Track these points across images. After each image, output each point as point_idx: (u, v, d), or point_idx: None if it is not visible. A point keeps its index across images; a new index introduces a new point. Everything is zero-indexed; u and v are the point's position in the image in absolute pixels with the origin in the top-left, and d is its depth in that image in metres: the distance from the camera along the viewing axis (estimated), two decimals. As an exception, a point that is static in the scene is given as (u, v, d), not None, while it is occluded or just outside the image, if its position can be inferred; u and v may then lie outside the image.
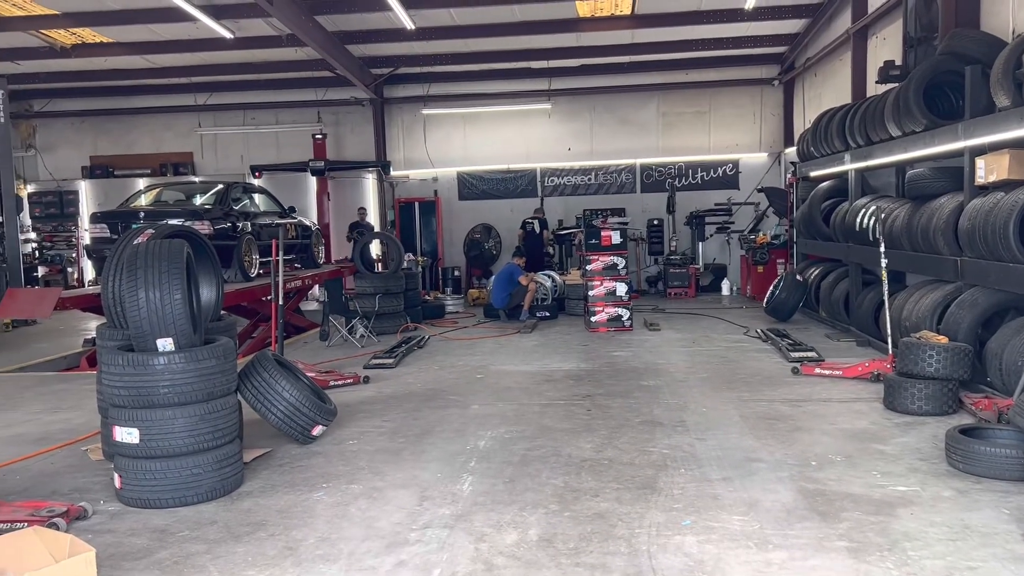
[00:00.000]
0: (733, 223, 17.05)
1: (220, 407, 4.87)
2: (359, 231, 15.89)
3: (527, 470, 5.20)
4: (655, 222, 17.57)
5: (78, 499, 4.74)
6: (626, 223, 14.99)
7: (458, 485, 4.94)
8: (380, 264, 16.00)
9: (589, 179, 18.24)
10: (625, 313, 11.63)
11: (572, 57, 16.54)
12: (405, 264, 13.49)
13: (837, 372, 7.72)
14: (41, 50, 14.87)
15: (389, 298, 11.87)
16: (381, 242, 15.56)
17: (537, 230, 16.68)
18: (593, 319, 11.63)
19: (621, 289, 11.73)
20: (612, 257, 11.82)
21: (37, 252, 18.79)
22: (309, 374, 7.17)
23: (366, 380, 8.23)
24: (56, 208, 19.21)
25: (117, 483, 4.76)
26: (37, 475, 5.41)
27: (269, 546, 4.09)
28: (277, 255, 8.23)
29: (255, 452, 5.62)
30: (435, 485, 4.96)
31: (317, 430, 5.89)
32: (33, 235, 18.80)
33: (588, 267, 11.93)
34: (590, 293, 11.78)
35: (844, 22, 12.86)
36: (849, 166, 10.48)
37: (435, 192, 18.31)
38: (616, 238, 11.91)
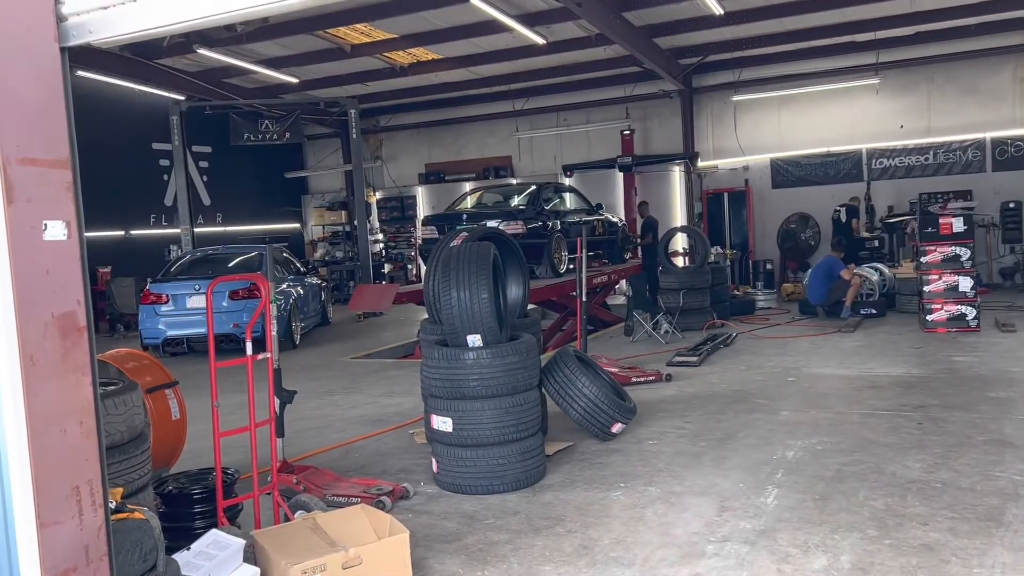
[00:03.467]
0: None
1: (523, 401, 5.07)
2: (648, 228, 15.51)
3: (841, 487, 4.73)
4: (1011, 205, 15.18)
5: (403, 479, 5.22)
6: (972, 207, 13.15)
7: (761, 497, 4.64)
8: (686, 258, 15.72)
9: (925, 159, 16.29)
10: (970, 311, 10.20)
11: (904, 25, 14.81)
12: (712, 258, 13.11)
13: None
14: (384, 71, 16.78)
15: (694, 293, 11.62)
16: (687, 236, 15.27)
17: (843, 219, 15.26)
18: (929, 318, 10.35)
19: (965, 283, 10.29)
20: (953, 247, 10.42)
21: (384, 251, 21.31)
22: (611, 369, 7.24)
23: (668, 378, 8.11)
24: (398, 211, 21.62)
25: (434, 467, 5.17)
26: (372, 454, 6.08)
27: (566, 542, 4.16)
28: (581, 252, 8.42)
29: (557, 445, 5.78)
30: (736, 495, 4.70)
31: (616, 427, 5.90)
32: (380, 236, 21.34)
33: (923, 259, 10.64)
34: (926, 288, 10.50)
35: None
36: None
37: (745, 181, 17.56)
38: (958, 225, 10.49)
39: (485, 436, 4.94)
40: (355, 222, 18.37)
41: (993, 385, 7.15)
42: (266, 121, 15.64)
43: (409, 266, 21.25)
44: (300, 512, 4.18)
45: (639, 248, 15.25)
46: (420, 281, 19.59)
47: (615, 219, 15.05)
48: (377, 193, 21.67)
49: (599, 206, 14.29)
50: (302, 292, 13.21)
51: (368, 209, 19.00)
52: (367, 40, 14.82)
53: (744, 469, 5.18)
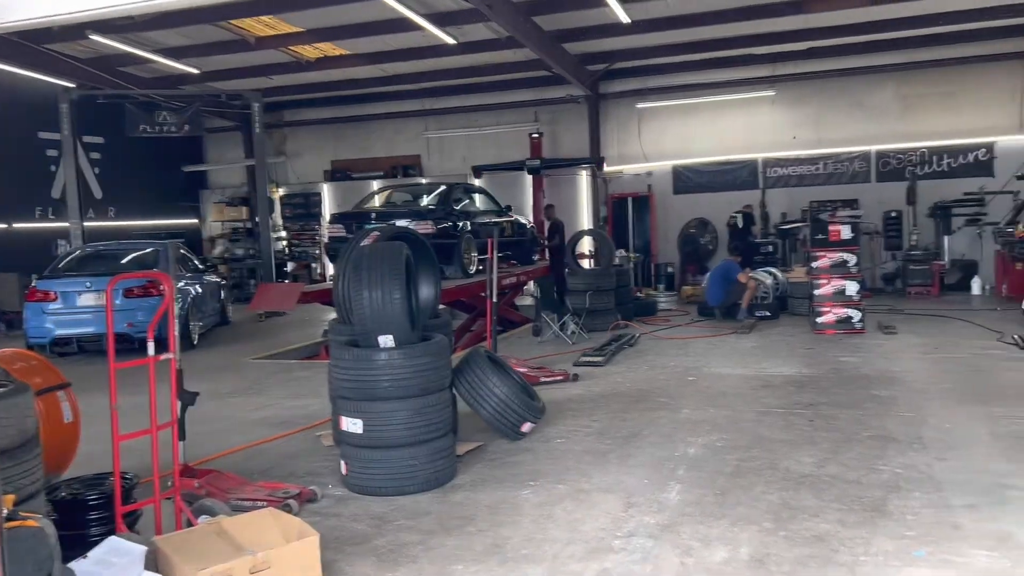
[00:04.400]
0: (986, 214, 15.20)
1: (435, 401, 5.08)
2: (555, 231, 15.64)
3: (739, 482, 4.94)
4: (892, 214, 16.11)
5: (310, 482, 5.14)
6: (858, 216, 13.91)
7: (665, 493, 4.80)
8: (591, 261, 16.02)
9: (816, 168, 17.11)
10: (856, 314, 10.79)
11: (799, 40, 15.53)
12: (616, 261, 13.41)
13: (1117, 389, 6.64)
14: (290, 64, 16.39)
15: (600, 295, 11.88)
16: (593, 239, 15.55)
17: (740, 224, 15.92)
18: (819, 320, 10.90)
19: (851, 288, 10.89)
20: (841, 253, 11.01)
21: (287, 249, 20.84)
22: (520, 370, 7.32)
23: (575, 378, 8.26)
24: (303, 209, 21.15)
25: (343, 469, 5.12)
26: (277, 457, 5.95)
27: (477, 542, 4.20)
28: (492, 253, 8.47)
29: (468, 446, 5.81)
30: (641, 491, 4.85)
31: (526, 427, 5.98)
32: (283, 234, 20.86)
33: (814, 264, 11.19)
34: (816, 292, 11.05)
35: None
36: None
37: (649, 187, 18.05)
38: (846, 232, 11.09)
39: (396, 437, 4.92)
40: (257, 219, 17.94)
41: (877, 384, 7.59)
42: (164, 112, 15.04)
43: (314, 265, 20.85)
44: (204, 517, 4.06)
45: (547, 250, 15.43)
46: (325, 280, 19.32)
47: (524, 221, 15.19)
48: (280, 189, 21.18)
49: (508, 208, 14.39)
50: (200, 290, 12.77)
51: (271, 206, 18.58)
52: (272, 33, 14.46)
53: (648, 466, 5.34)
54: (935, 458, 5.24)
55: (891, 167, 16.51)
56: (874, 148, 16.60)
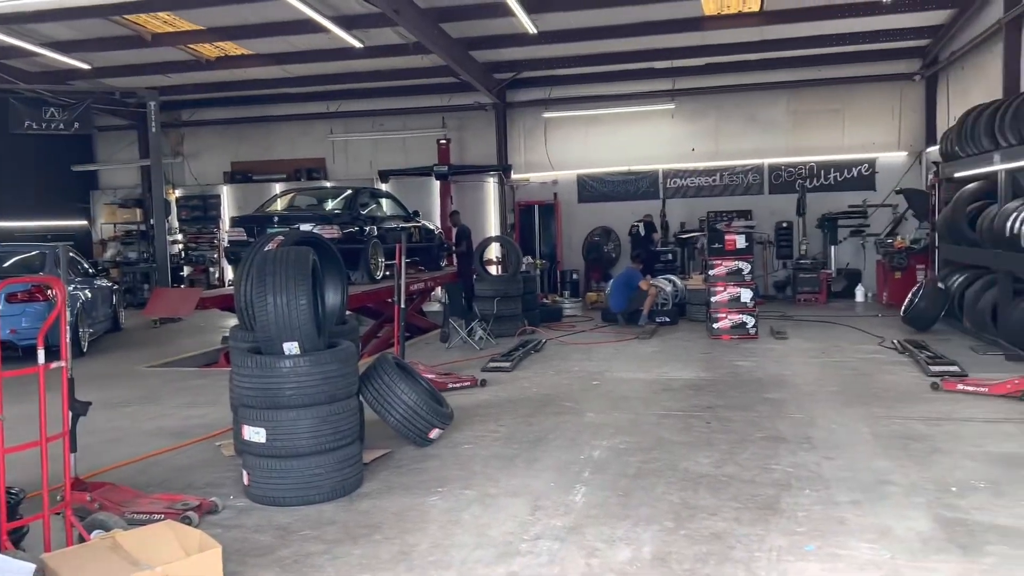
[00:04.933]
0: (869, 226, 16.16)
1: (341, 409, 5.02)
2: (462, 236, 15.61)
3: (642, 483, 5.09)
4: (784, 225, 16.89)
5: (210, 493, 4.99)
6: (752, 226, 14.53)
7: (571, 496, 4.89)
8: (499, 267, 16.14)
9: (714, 180, 17.76)
10: (750, 320, 11.25)
11: (697, 56, 16.13)
12: (523, 267, 13.55)
13: (982, 389, 7.16)
14: (189, 63, 15.88)
15: (507, 301, 11.98)
16: (500, 245, 15.67)
17: (642, 233, 16.41)
18: (715, 326, 11.31)
19: (746, 295, 11.35)
20: (736, 261, 11.46)
21: (183, 253, 20.12)
22: (428, 376, 7.31)
23: (483, 383, 8.31)
24: (200, 211, 20.46)
25: (245, 480, 4.99)
26: (175, 468, 5.75)
27: (384, 550, 4.17)
28: (400, 259, 8.44)
29: (375, 453, 5.77)
30: (547, 494, 4.93)
31: (434, 433, 5.99)
32: (180, 237, 20.13)
33: (711, 272, 11.61)
34: (713, 299, 11.46)
35: (995, 11, 11.92)
36: (999, 166, 9.71)
37: (555, 195, 18.32)
38: (741, 242, 11.54)
39: (301, 446, 4.84)
40: (152, 221, 17.24)
41: (769, 387, 7.94)
42: (52, 109, 14.33)
43: (212, 269, 20.20)
44: (97, 532, 3.90)
45: (454, 256, 15.45)
46: (224, 285, 18.76)
47: (432, 226, 15.18)
48: (177, 191, 20.42)
49: (416, 213, 14.36)
50: (91, 295, 12.21)
51: (167, 208, 17.87)
52: (170, 30, 13.96)
53: (554, 469, 5.43)
54: (823, 457, 5.53)
55: (782, 180, 17.30)
56: (767, 161, 17.37)
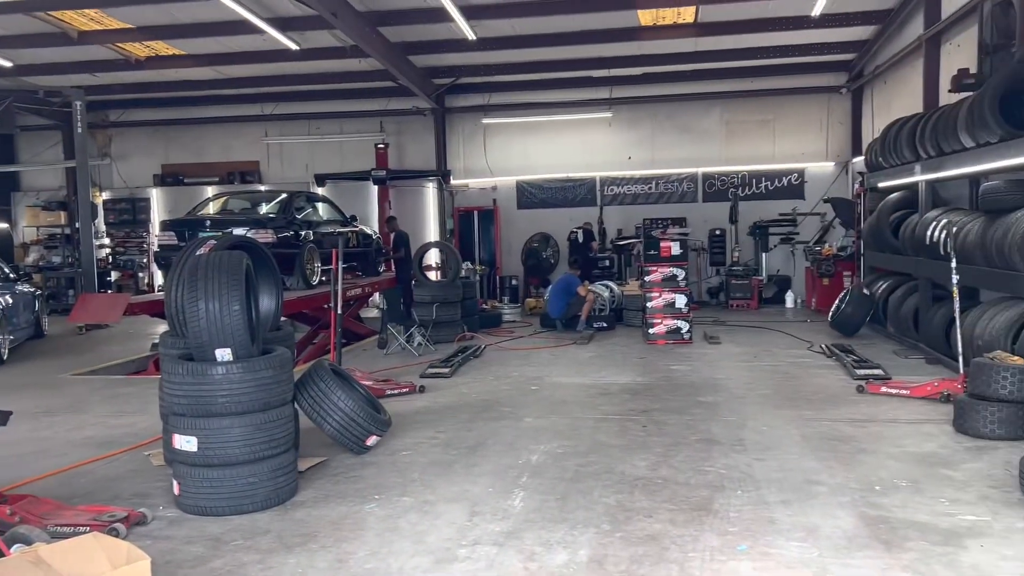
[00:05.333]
0: (798, 234, 16.65)
1: (276, 417, 4.94)
2: (399, 242, 15.49)
3: (579, 487, 5.14)
4: (717, 232, 17.26)
5: (139, 504, 4.85)
6: (687, 233, 14.82)
7: (509, 501, 4.91)
8: (438, 273, 16.09)
9: (649, 188, 18.05)
10: (684, 325, 11.46)
11: (633, 66, 16.39)
12: (463, 273, 13.54)
13: (904, 391, 7.45)
14: (117, 62, 15.42)
15: (446, 307, 11.96)
16: (440, 251, 15.62)
17: (580, 240, 16.62)
18: (651, 331, 11.49)
19: (680, 301, 11.56)
20: (671, 268, 11.66)
21: (111, 258, 19.49)
22: (365, 383, 7.24)
23: (422, 389, 8.27)
24: (129, 215, 19.87)
25: (176, 490, 4.87)
26: (101, 479, 5.57)
27: (320, 558, 4.12)
28: (337, 264, 8.34)
29: (310, 461, 5.68)
30: (486, 500, 4.93)
31: (371, 440, 5.93)
32: (107, 241, 19.50)
33: (647, 278, 11.79)
34: (648, 305, 11.64)
35: (916, 28, 12.44)
36: (919, 177, 10.12)
37: (494, 201, 18.36)
38: (676, 249, 11.76)
39: (234, 455, 4.74)
40: (77, 224, 16.63)
41: (703, 391, 8.11)
42: (-30, 107, 13.71)
43: (141, 274, 19.62)
44: (18, 546, 3.74)
45: (393, 261, 15.33)
46: (154, 290, 18.24)
47: (369, 231, 15.05)
48: (104, 194, 19.79)
49: (353, 218, 14.22)
50: (11, 301, 11.76)
51: (93, 211, 17.24)
52: (98, 27, 13.54)
53: (493, 474, 5.44)
54: (754, 459, 5.67)
55: (716, 188, 17.69)
56: (701, 170, 17.74)
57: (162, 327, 7.02)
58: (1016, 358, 6.24)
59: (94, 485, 5.42)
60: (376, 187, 18.08)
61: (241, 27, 12.92)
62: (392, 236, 15.28)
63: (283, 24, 13.06)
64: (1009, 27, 8.81)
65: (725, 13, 13.39)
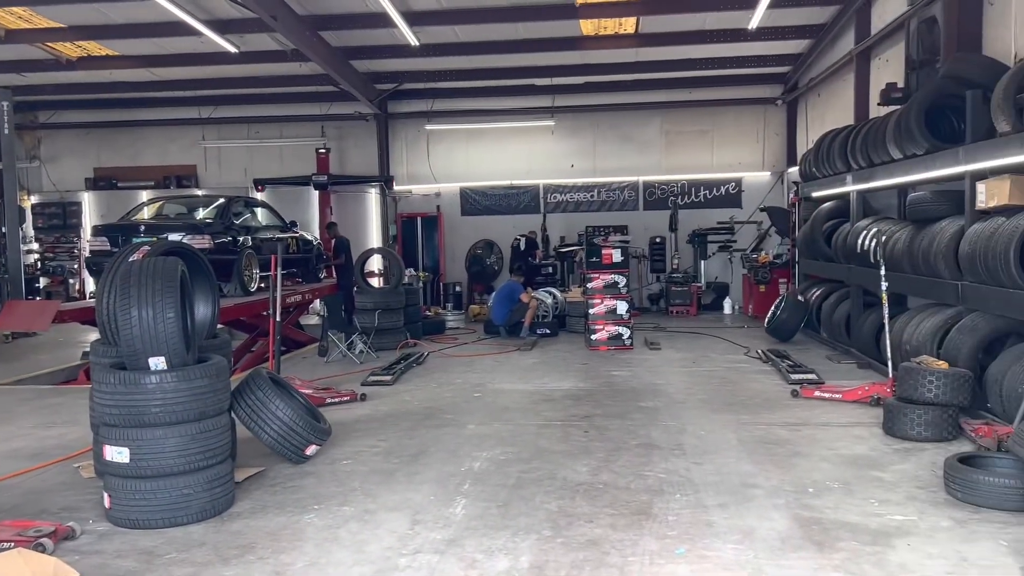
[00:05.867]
0: (735, 242, 17.01)
1: (212, 426, 4.84)
2: (340, 248, 15.30)
3: (521, 493, 5.15)
4: (657, 240, 17.53)
5: (67, 518, 4.69)
6: (627, 241, 15.00)
7: (451, 508, 4.89)
8: (381, 279, 15.98)
9: (592, 196, 18.24)
10: (626, 332, 11.59)
11: (576, 75, 16.57)
12: (406, 279, 13.46)
13: (837, 395, 7.66)
14: (47, 62, 14.93)
15: (389, 314, 11.86)
16: (382, 257, 15.52)
17: (524, 247, 16.72)
18: (593, 337, 11.59)
19: (622, 307, 11.69)
20: (613, 275, 11.80)
21: (39, 263, 18.82)
22: (305, 391, 7.14)
23: (363, 398, 8.19)
24: (59, 219, 19.24)
25: (106, 503, 4.72)
26: (27, 492, 5.37)
27: (257, 570, 4.04)
28: (276, 270, 8.22)
29: (247, 471, 5.58)
30: (428, 508, 4.91)
31: (311, 450, 5.85)
32: (35, 246, 18.83)
33: (589, 285, 11.90)
34: (591, 311, 11.74)
35: (847, 43, 12.87)
36: (851, 187, 10.45)
37: (438, 207, 18.32)
38: (617, 256, 11.90)
39: (168, 466, 4.63)
40: (3, 229, 16.03)
41: (644, 396, 8.21)
42: None
43: (71, 280, 18.99)
44: (-64, 565, 3.58)
45: (334, 268, 15.17)
46: (85, 297, 17.68)
47: (310, 237, 14.86)
48: (33, 197, 19.12)
49: (293, 223, 14.04)
50: (-68, 309, 11.23)
51: (21, 215, 16.67)
52: (27, 26, 13.10)
53: (435, 482, 5.42)
54: (692, 463, 5.77)
55: (656, 197, 17.97)
56: (642, 179, 18.01)
57: (93, 335, 6.83)
58: (941, 362, 6.48)
59: (21, 499, 5.22)
60: (317, 192, 17.88)
61: (178, 28, 12.65)
62: (333, 242, 15.12)
63: (222, 26, 12.84)
64: (934, 43, 9.19)
65: (665, 24, 13.63)
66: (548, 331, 13.03)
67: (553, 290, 14.33)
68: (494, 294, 14.04)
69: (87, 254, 12.80)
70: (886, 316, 7.65)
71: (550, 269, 16.99)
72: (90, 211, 19.15)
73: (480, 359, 10.96)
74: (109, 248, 10.63)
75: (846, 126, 11.38)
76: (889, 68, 11.19)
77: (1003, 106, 6.47)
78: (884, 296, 7.65)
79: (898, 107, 8.91)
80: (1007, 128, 6.48)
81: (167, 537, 4.49)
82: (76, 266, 18.92)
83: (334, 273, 15.18)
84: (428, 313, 14.98)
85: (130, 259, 5.30)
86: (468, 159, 18.28)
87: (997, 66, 7.53)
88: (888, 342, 7.57)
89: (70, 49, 14.46)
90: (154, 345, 4.63)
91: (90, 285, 18.24)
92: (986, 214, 6.93)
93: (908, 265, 8.30)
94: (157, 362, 4.66)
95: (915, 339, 7.72)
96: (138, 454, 4.59)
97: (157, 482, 4.61)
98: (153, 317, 4.60)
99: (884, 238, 8.59)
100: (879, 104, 10.08)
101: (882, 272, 7.66)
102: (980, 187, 6.89)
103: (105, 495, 4.73)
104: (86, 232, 18.15)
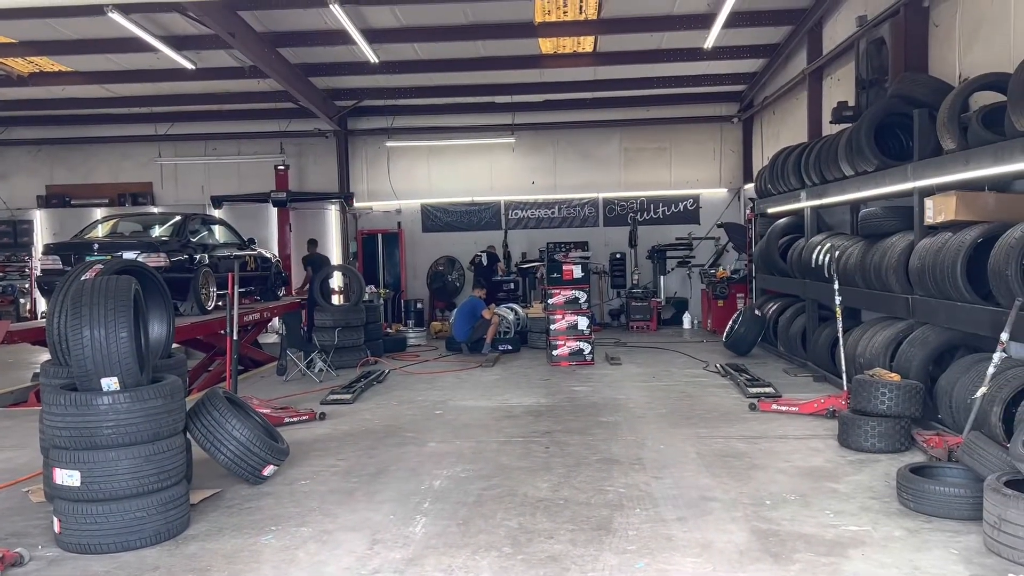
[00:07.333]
0: (694, 257, 17.23)
1: (166, 448, 4.75)
2: (313, 265, 15.26)
3: (482, 511, 5.13)
4: (617, 255, 17.69)
5: (14, 544, 4.56)
6: (588, 257, 15.11)
7: (411, 527, 4.86)
8: (341, 297, 15.85)
9: (552, 212, 18.34)
10: (587, 347, 11.64)
11: (535, 92, 16.70)
12: (366, 297, 13.38)
13: (793, 408, 7.77)
14: (-3, 78, 14.66)
15: (349, 331, 11.78)
16: (342, 274, 15.41)
17: (485, 263, 16.76)
18: (555, 353, 11.63)
19: (583, 323, 11.75)
20: (574, 291, 11.86)
21: (-11, 283, 18.36)
22: (263, 411, 7.05)
23: (322, 417, 8.10)
24: (9, 238, 18.78)
25: (56, 527, 4.60)
26: (-27, 519, 5.22)
27: (212, 594, 3.97)
28: (233, 288, 8.11)
29: (203, 493, 5.48)
30: (387, 527, 4.87)
31: (268, 470, 5.77)
32: (-15, 265, 18.38)
33: (550, 301, 11.94)
34: (552, 327, 11.78)
35: (800, 63, 13.17)
36: (805, 203, 10.66)
37: (399, 224, 18.27)
38: (578, 272, 11.96)
39: (121, 488, 4.53)
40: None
41: (604, 411, 8.25)
42: None
43: (23, 300, 18.51)
44: None
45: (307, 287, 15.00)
46: (37, 317, 17.24)
47: (268, 255, 14.70)
48: (-18, 215, 18.68)
49: (252, 241, 13.88)
50: None
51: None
52: (-25, 40, 12.84)
53: (395, 501, 5.38)
54: (652, 477, 5.80)
55: (616, 213, 18.14)
56: (602, 195, 18.17)
57: (44, 356, 6.66)
58: (894, 375, 6.62)
59: (-36, 526, 5.07)
60: (276, 210, 17.71)
61: (133, 44, 12.48)
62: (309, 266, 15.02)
63: (178, 43, 12.71)
64: (883, 63, 9.44)
65: (623, 43, 13.82)
66: (510, 347, 13.04)
67: (515, 306, 14.35)
68: (456, 311, 14.02)
69: (38, 273, 12.50)
70: (840, 330, 7.81)
71: (512, 285, 17.03)
72: (42, 229, 18.73)
73: (442, 376, 10.92)
74: (61, 267, 10.39)
75: (800, 143, 11.63)
76: (841, 87, 11.47)
77: (948, 125, 6.67)
78: (838, 310, 7.81)
79: (849, 125, 9.13)
80: (952, 146, 6.68)
81: (120, 562, 4.39)
82: (27, 285, 18.46)
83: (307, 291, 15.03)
84: (389, 330, 14.88)
85: (82, 278, 5.21)
86: (429, 176, 18.29)
87: (943, 86, 7.77)
88: (843, 355, 7.71)
89: (21, 65, 14.18)
90: (107, 365, 4.54)
91: (41, 305, 17.80)
92: (934, 229, 7.12)
93: (861, 279, 8.48)
94: (110, 383, 4.57)
95: (868, 352, 7.88)
96: (89, 477, 4.49)
97: (109, 505, 4.51)
98: (105, 337, 4.52)
99: (837, 253, 8.77)
100: (831, 122, 10.32)
101: (836, 287, 7.81)
102: (928, 203, 7.08)
103: (55, 519, 4.62)
104: (37, 251, 17.74)
